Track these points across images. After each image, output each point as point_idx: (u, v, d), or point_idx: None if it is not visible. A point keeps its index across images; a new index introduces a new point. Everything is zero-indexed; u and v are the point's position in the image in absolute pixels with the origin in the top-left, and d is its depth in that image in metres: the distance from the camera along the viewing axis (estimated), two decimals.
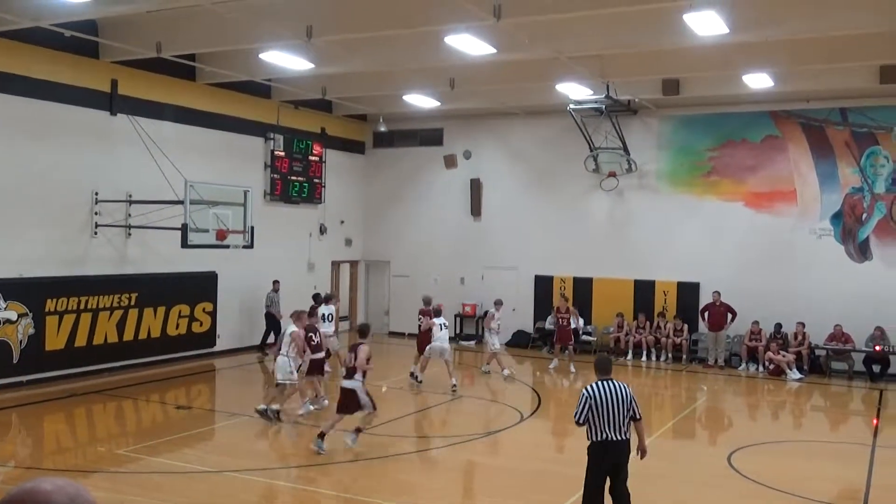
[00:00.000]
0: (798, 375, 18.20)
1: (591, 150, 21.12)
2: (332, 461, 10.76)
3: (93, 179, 16.27)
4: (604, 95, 18.36)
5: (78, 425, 13.49)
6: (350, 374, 11.14)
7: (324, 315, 16.80)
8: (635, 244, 21.18)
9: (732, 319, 19.39)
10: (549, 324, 21.11)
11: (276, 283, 20.01)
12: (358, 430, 11.20)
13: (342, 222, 23.88)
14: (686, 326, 20.29)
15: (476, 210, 23.33)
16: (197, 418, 13.72)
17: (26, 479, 1.95)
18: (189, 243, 15.57)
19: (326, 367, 14.32)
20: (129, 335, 16.91)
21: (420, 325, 16.84)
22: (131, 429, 13.02)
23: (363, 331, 11.80)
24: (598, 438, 7.47)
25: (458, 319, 23.06)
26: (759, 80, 16.97)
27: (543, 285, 22.26)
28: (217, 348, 19.19)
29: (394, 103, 21.28)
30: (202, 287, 18.73)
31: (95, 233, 16.41)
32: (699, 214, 20.61)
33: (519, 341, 22.16)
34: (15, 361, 14.72)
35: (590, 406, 7.44)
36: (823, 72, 16.37)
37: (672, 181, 21.05)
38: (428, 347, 15.96)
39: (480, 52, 14.28)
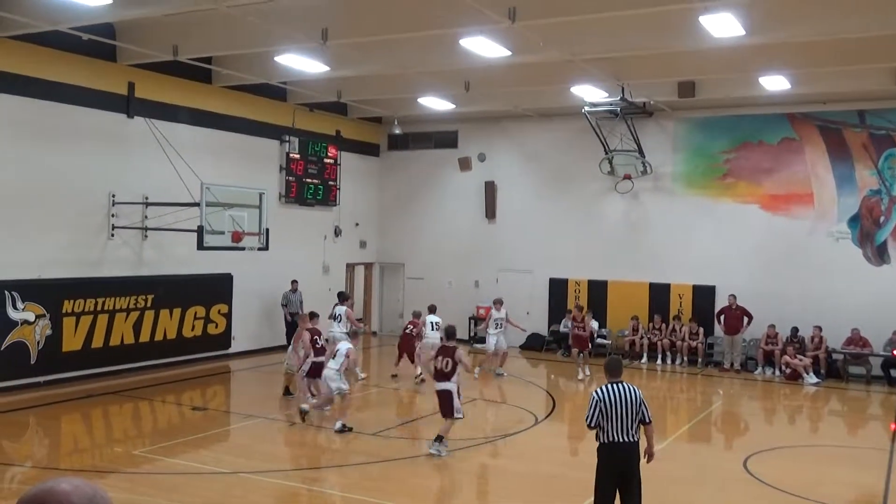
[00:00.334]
0: (815, 380, 18.04)
1: (606, 153, 21.06)
2: (346, 463, 10.78)
3: (110, 182, 16.39)
4: (619, 98, 18.33)
5: (95, 426, 13.57)
6: (445, 377, 11.19)
7: (335, 315, 16.86)
8: (650, 247, 21.09)
9: (748, 323, 19.25)
10: (563, 327, 21.07)
11: (294, 282, 20.08)
12: (439, 438, 11.09)
13: (357, 224, 23.92)
14: (702, 330, 20.16)
15: (490, 213, 23.31)
16: (212, 419, 13.77)
17: (44, 479, 1.97)
18: (205, 245, 15.63)
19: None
20: (145, 336, 17.01)
21: (407, 330, 17.32)
22: (147, 430, 13.09)
23: (450, 333, 11.84)
24: (607, 440, 7.48)
25: (471, 322, 23.05)
26: (775, 83, 16.87)
27: (558, 288, 22.22)
28: (232, 350, 19.27)
29: (408, 106, 21.32)
30: (218, 289, 18.82)
31: (112, 235, 16.52)
32: (715, 217, 20.49)
33: (533, 344, 22.12)
34: (33, 362, 14.84)
35: (600, 409, 7.44)
36: (840, 74, 16.24)
37: (687, 183, 20.95)
38: (419, 345, 16.73)
39: (495, 54, 14.28)
